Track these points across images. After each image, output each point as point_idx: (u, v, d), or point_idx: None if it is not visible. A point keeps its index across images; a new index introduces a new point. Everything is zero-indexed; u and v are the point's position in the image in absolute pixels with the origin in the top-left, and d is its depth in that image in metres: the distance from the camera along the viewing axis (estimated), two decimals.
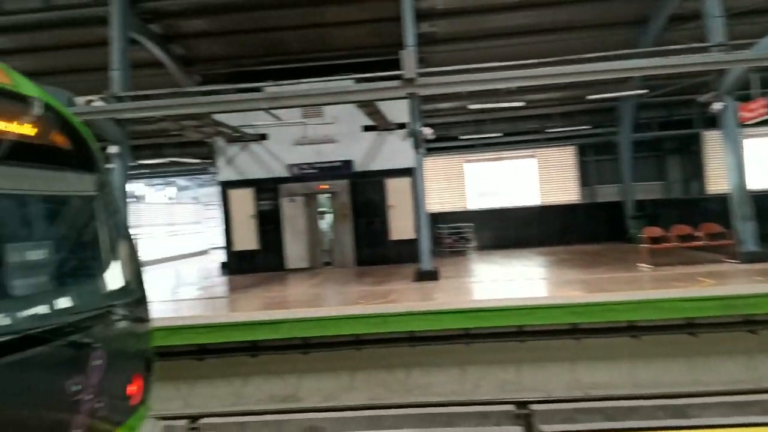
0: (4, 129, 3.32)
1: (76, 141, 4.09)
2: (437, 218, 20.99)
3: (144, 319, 4.42)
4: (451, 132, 22.87)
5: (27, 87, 3.76)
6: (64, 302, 3.73)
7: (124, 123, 13.08)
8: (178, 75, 16.77)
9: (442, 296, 10.72)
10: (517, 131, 22.72)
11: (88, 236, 4.17)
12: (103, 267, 4.23)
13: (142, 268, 4.57)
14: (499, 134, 22.56)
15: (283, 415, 7.39)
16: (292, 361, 9.95)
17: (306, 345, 9.94)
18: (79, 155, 4.09)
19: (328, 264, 17.74)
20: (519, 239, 21.42)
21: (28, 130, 3.54)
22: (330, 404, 8.07)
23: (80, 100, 11.35)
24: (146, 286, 4.51)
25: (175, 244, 29.28)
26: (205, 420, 7.48)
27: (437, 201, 22.78)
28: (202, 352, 10.05)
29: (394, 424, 6.97)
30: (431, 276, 12.95)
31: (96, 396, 3.51)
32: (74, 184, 4.06)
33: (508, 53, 15.80)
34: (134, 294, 4.36)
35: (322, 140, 17.24)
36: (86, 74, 16.77)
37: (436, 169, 23.12)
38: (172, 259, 27.06)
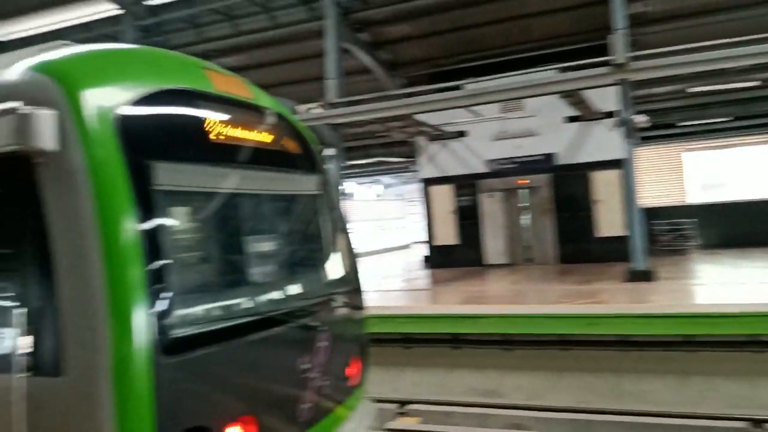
0: (247, 137, 3.84)
1: (303, 146, 4.58)
2: (651, 214, 19.29)
3: (360, 306, 4.78)
4: (668, 119, 20.84)
5: (264, 99, 4.31)
6: (296, 289, 4.21)
7: (338, 127, 14.21)
8: (384, 79, 17.72)
9: (659, 298, 9.89)
10: (748, 114, 19.92)
11: (314, 231, 4.61)
12: (326, 258, 4.66)
13: (357, 260, 4.95)
14: (728, 119, 19.94)
15: (487, 409, 7.44)
16: (494, 356, 9.95)
17: (507, 341, 9.87)
18: (305, 158, 4.57)
19: (528, 260, 17.38)
20: (752, 237, 18.75)
21: (266, 137, 4.04)
22: (534, 403, 7.92)
23: (302, 108, 12.61)
24: (360, 276, 4.87)
25: (382, 238, 30.98)
26: (413, 406, 7.83)
27: (651, 195, 20.97)
28: (408, 340, 10.51)
29: (602, 430, 6.62)
30: (645, 276, 11.99)
31: (322, 375, 3.88)
32: (302, 184, 4.51)
33: (735, 28, 13.94)
34: (352, 283, 4.74)
35: (522, 134, 16.92)
36: (305, 84, 18.51)
37: (649, 159, 21.29)
38: (378, 252, 28.69)
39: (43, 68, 3.03)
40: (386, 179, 35.83)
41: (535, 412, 7.17)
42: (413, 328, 10.29)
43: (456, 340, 10.21)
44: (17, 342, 2.70)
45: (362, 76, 17.95)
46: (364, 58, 16.79)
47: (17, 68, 3.05)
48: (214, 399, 3.04)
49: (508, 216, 17.52)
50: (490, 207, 17.59)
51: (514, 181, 17.25)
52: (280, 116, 4.33)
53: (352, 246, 4.93)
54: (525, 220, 17.70)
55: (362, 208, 31.30)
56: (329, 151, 14.01)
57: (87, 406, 2.61)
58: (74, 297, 2.68)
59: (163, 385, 2.69)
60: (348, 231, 4.94)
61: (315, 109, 13.12)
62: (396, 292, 13.67)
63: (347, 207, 26.89)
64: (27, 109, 2.74)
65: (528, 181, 17.11)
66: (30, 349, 2.70)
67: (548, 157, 16.73)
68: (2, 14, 16.81)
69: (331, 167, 14.32)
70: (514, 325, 9.59)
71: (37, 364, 2.69)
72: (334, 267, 4.68)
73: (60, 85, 2.89)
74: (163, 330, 2.77)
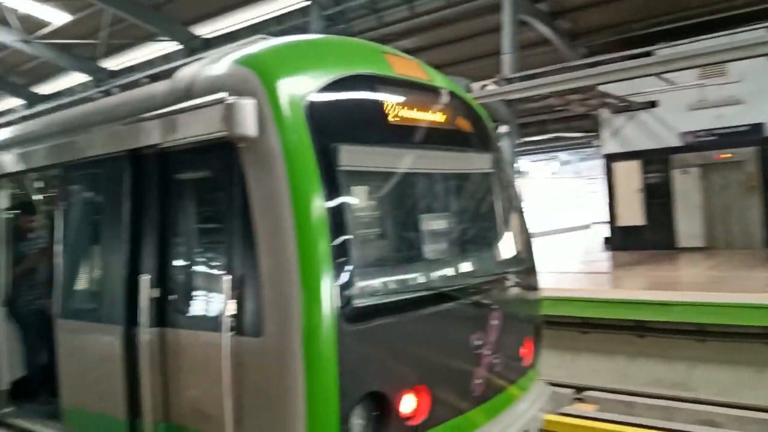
0: (425, 118, 3.93)
1: (478, 124, 4.57)
2: None
3: (534, 286, 4.69)
4: None
5: (440, 80, 4.37)
6: (469, 266, 4.26)
7: (513, 103, 13.89)
8: (563, 50, 16.89)
9: None
10: None
11: (488, 209, 4.60)
12: (500, 237, 4.64)
13: (532, 240, 4.85)
14: None
15: (673, 402, 6.93)
16: (684, 346, 9.17)
17: (700, 332, 9.02)
18: (480, 137, 4.57)
19: (728, 244, 15.58)
20: None
21: (442, 117, 4.11)
22: (728, 399, 7.19)
23: (475, 85, 12.52)
24: (535, 256, 4.77)
25: (558, 218, 29.85)
26: (590, 393, 7.55)
27: None
28: (585, 325, 10.10)
29: None
30: None
31: (494, 352, 3.89)
32: (477, 162, 4.53)
33: None
34: (525, 263, 4.67)
35: (724, 102, 15.09)
36: (479, 61, 18.31)
37: None
38: (554, 232, 27.73)
39: (244, 61, 3.37)
40: (563, 156, 34.27)
41: (729, 409, 6.51)
42: (592, 312, 9.84)
43: (640, 328, 9.57)
44: (224, 305, 3.06)
45: (539, 49, 17.28)
46: (543, 29, 16.12)
47: (224, 62, 3.46)
48: (391, 367, 3.23)
49: (706, 194, 15.84)
50: (685, 184, 16.04)
51: (714, 155, 15.51)
52: (456, 96, 4.38)
53: (527, 225, 4.85)
54: (725, 198, 15.82)
55: (537, 187, 30.37)
56: (503, 128, 13.78)
57: (281, 364, 2.91)
58: (271, 267, 2.97)
59: (346, 351, 2.92)
60: (522, 210, 4.86)
61: (489, 86, 12.92)
62: (574, 275, 13.16)
63: (522, 185, 26.29)
64: (231, 99, 3.07)
65: (730, 156, 15.29)
66: (234, 312, 3.05)
67: (756, 127, 14.79)
68: (208, 14, 18.91)
69: (505, 144, 14.09)
70: (711, 315, 8.73)
71: (240, 326, 3.03)
72: (509, 246, 4.64)
73: (258, 76, 3.19)
74: (346, 300, 2.99)
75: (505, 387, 4.03)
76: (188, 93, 3.43)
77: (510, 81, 13.45)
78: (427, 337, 3.47)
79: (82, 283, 4.22)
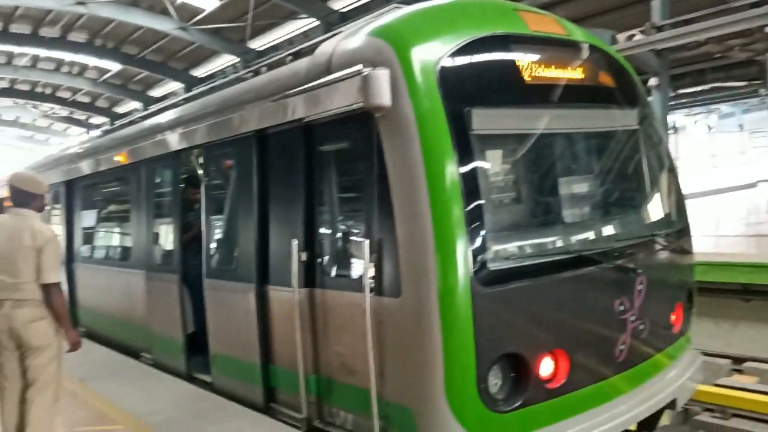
0: (562, 75, 3.82)
1: (622, 79, 4.35)
2: None
3: (687, 250, 4.42)
4: None
5: (578, 33, 4.19)
6: (611, 229, 4.11)
7: (664, 53, 12.79)
8: None
9: None
10: None
11: (635, 169, 4.39)
12: (647, 198, 4.42)
13: (685, 201, 4.55)
14: None
15: None
16: None
17: None
18: (624, 92, 4.34)
19: None
20: None
21: (581, 73, 3.97)
22: None
23: (621, 36, 11.66)
24: (689, 218, 4.47)
25: (717, 176, 27.27)
26: (750, 364, 7.00)
27: None
28: (747, 292, 9.28)
29: None
30: None
31: (639, 318, 3.76)
32: (622, 119, 4.33)
33: None
34: (676, 225, 4.41)
35: None
36: (624, 10, 16.99)
37: None
38: (713, 192, 25.41)
39: (377, 33, 3.52)
40: (723, 108, 30.95)
41: None
42: (757, 278, 9.01)
43: None
44: (365, 268, 3.27)
45: None
46: None
47: (359, 36, 3.60)
48: (528, 330, 3.28)
49: None
50: None
51: None
52: (596, 49, 4.20)
53: (678, 185, 4.56)
54: None
55: (693, 143, 27.87)
56: (653, 81, 12.76)
57: (420, 324, 3.08)
58: (408, 231, 3.14)
59: (481, 312, 3.04)
60: (674, 168, 4.58)
61: (636, 36, 11.97)
62: (735, 238, 12.05)
63: (674, 142, 24.30)
64: (366, 71, 3.22)
65: None
66: (374, 274, 3.25)
67: None
68: None
69: (656, 98, 13.05)
70: None
71: (381, 287, 3.25)
72: (656, 207, 4.42)
73: (391, 46, 3.32)
74: (481, 263, 3.09)
75: (652, 354, 3.90)
76: (328, 68, 3.64)
77: (660, 29, 12.36)
78: (566, 302, 3.45)
79: (228, 248, 4.77)
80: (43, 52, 25.76)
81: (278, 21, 21.84)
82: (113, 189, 7.47)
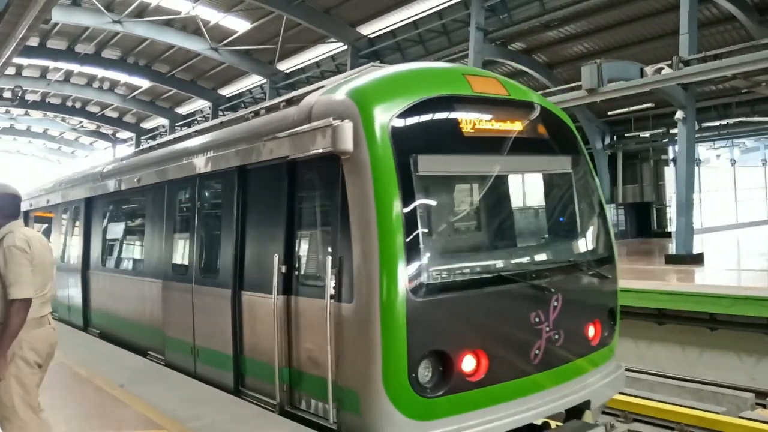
0: (498, 128, 4.56)
1: (555, 130, 5.02)
2: None
3: (606, 276, 5.01)
4: None
5: (519, 93, 4.94)
6: (531, 255, 4.84)
7: (690, 87, 12.90)
8: (751, 27, 15.28)
9: None
10: None
11: (560, 205, 5.16)
12: (571, 231, 5.10)
13: (611, 235, 5.21)
14: None
15: None
16: None
17: None
18: (557, 141, 5.02)
19: None
20: None
21: (517, 126, 4.67)
22: None
23: (649, 69, 11.78)
24: (615, 250, 5.17)
25: (741, 210, 27.05)
26: None
27: None
28: None
29: None
30: None
31: (554, 329, 4.36)
32: (551, 164, 5.06)
33: None
34: (597, 255, 5.08)
35: None
36: (652, 42, 17.15)
37: None
38: (735, 226, 25.21)
39: (348, 93, 4.31)
40: (748, 142, 30.81)
41: None
42: None
43: None
44: (328, 279, 4.00)
45: (723, 26, 15.82)
46: (726, 5, 14.70)
47: (335, 93, 4.38)
48: (453, 333, 4.01)
49: None
50: None
51: None
52: (533, 106, 4.92)
53: (607, 222, 5.22)
54: None
55: (715, 176, 27.73)
56: (679, 114, 12.85)
57: (366, 324, 3.80)
58: (361, 251, 3.88)
59: (414, 317, 3.78)
60: (602, 207, 5.21)
61: (665, 70, 12.08)
62: (759, 272, 11.98)
63: (697, 174, 24.18)
64: (337, 122, 4.04)
65: None
66: (335, 284, 4.00)
67: None
68: (373, 14, 19.75)
69: (680, 131, 13.12)
70: None
71: (339, 294, 3.98)
72: (580, 239, 5.10)
73: (356, 104, 4.13)
74: (415, 278, 3.85)
75: (570, 360, 4.50)
76: (309, 116, 4.46)
77: (688, 63, 12.49)
78: (487, 312, 4.17)
79: (213, 260, 5.61)
80: (76, 68, 26.50)
81: (307, 45, 22.37)
82: (130, 207, 8.10)
